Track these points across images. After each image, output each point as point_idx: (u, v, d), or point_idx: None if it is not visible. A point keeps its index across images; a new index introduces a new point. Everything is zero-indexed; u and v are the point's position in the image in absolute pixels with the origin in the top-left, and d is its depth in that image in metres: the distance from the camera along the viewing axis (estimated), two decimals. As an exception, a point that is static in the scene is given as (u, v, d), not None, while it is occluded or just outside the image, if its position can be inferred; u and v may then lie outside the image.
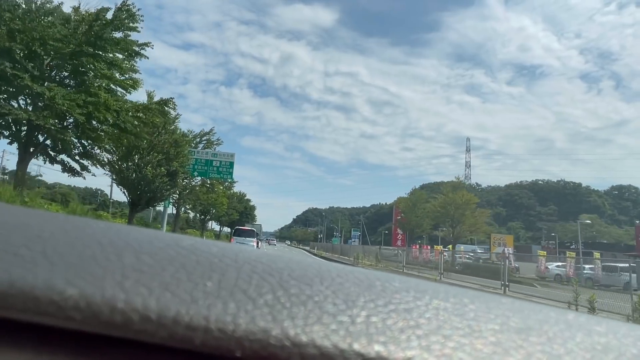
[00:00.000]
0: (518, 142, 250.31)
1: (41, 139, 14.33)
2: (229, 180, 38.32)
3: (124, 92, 15.42)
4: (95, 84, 13.90)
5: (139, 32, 14.52)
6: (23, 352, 0.30)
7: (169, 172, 25.71)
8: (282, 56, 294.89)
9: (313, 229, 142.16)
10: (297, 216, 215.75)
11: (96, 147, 15.86)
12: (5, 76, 11.76)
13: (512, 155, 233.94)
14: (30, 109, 12.80)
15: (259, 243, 30.60)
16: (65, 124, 14.17)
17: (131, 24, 14.38)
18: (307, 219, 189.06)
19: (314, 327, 0.30)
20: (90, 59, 13.45)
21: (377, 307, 0.34)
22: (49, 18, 13.52)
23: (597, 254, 33.01)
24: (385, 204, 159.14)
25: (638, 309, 10.96)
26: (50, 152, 15.18)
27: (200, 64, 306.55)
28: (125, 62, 14.68)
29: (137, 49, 15.04)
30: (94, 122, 14.30)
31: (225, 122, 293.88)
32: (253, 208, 71.01)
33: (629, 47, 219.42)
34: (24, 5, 12.90)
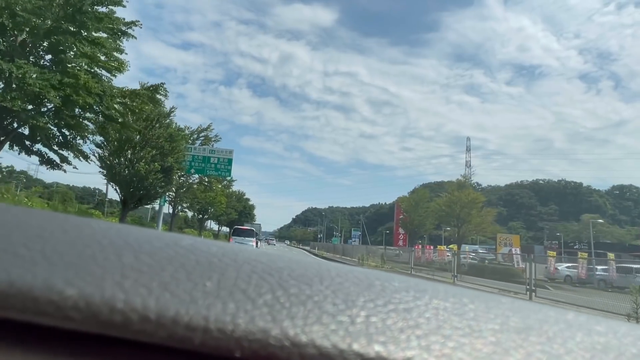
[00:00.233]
0: (517, 142, 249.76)
1: (16, 126, 12.79)
2: (227, 177, 37.20)
3: (109, 76, 13.88)
4: (74, 64, 12.36)
5: (124, 6, 12.97)
6: (23, 352, 0.30)
7: (163, 168, 24.27)
8: (282, 56, 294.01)
9: (313, 229, 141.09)
10: (296, 216, 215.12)
11: (78, 137, 14.28)
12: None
13: (511, 155, 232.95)
14: (-3, 90, 11.25)
15: (258, 243, 29.41)
16: (43, 109, 12.68)
17: (116, -3, 12.86)
18: (307, 219, 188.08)
19: (313, 327, 0.30)
20: (70, 38, 11.95)
21: (376, 307, 0.34)
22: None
23: (611, 255, 31.85)
24: (385, 203, 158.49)
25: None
26: (26, 142, 13.61)
27: (199, 64, 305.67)
28: (110, 40, 13.15)
29: (123, 27, 13.56)
30: (77, 109, 12.82)
31: (225, 121, 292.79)
32: (252, 207, 69.89)
33: (628, 47, 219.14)
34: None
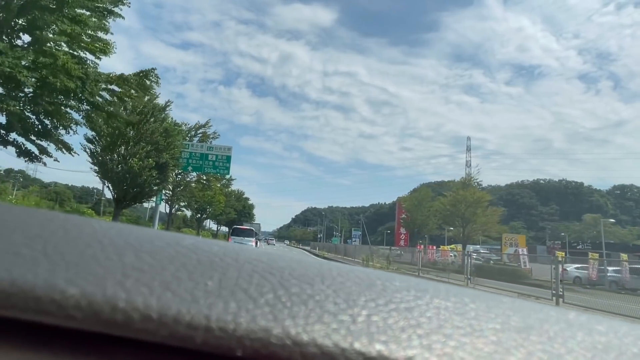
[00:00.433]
0: (516, 142, 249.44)
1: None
2: (226, 176, 36.02)
3: (94, 59, 12.58)
4: (52, 43, 11.04)
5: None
6: (24, 351, 0.30)
7: (158, 165, 22.95)
8: (281, 56, 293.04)
9: (312, 229, 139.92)
10: (296, 216, 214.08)
11: (60, 127, 12.97)
12: None
13: (511, 155, 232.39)
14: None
15: (258, 243, 28.17)
16: (20, 94, 11.39)
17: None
18: (306, 219, 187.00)
19: (315, 326, 0.30)
20: (48, 15, 10.69)
21: (378, 306, 0.34)
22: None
23: (624, 256, 30.64)
24: (385, 203, 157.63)
25: None
26: (0, 131, 12.27)
27: (198, 64, 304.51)
28: (94, 19, 11.83)
29: (109, 6, 12.27)
30: (58, 95, 11.54)
31: (224, 121, 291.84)
32: (251, 207, 68.80)
33: (627, 47, 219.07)
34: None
